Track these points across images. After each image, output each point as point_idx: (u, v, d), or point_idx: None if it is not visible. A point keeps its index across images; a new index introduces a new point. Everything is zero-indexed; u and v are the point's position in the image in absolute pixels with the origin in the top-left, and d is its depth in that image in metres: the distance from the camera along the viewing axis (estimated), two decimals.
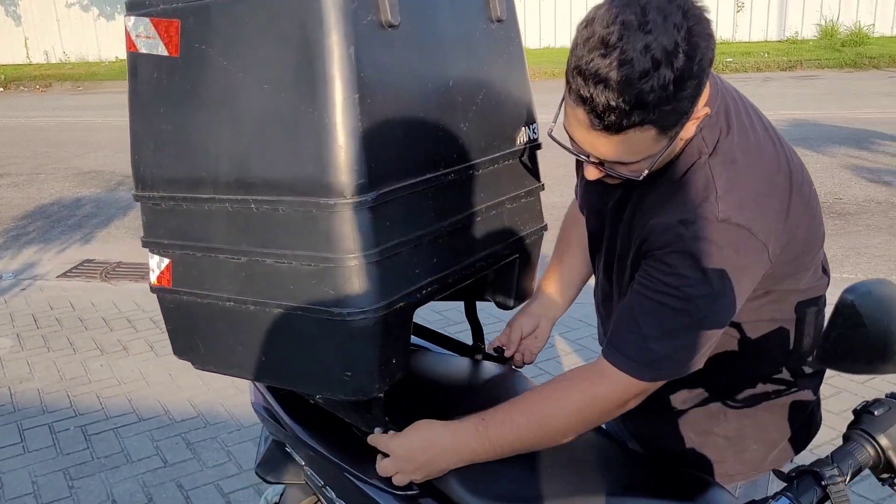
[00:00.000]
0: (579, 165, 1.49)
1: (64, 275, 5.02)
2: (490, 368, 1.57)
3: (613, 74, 1.01)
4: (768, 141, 1.27)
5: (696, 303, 1.15)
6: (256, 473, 1.57)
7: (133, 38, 1.32)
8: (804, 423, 1.45)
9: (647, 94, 1.02)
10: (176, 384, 3.51)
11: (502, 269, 1.51)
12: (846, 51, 13.47)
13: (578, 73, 1.05)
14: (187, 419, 3.22)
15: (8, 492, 2.78)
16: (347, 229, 1.16)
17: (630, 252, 1.27)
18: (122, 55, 18.12)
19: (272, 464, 1.55)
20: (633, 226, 1.26)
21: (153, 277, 1.41)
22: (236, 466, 2.89)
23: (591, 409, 1.22)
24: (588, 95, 1.04)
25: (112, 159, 8.34)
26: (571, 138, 1.15)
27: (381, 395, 1.28)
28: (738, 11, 15.28)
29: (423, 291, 1.28)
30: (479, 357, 1.62)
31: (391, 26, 1.19)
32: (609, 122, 1.06)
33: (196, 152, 1.29)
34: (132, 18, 1.31)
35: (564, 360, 3.57)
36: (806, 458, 1.04)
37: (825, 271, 1.42)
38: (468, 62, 1.36)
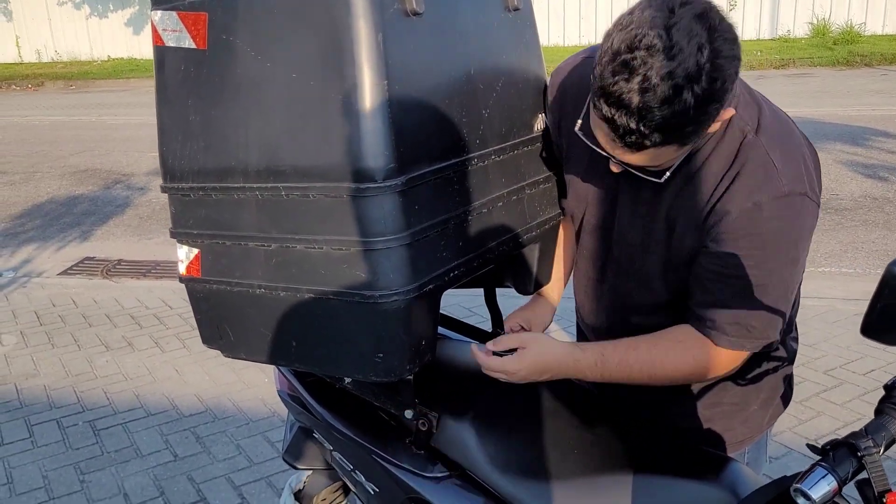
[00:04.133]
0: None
1: (65, 272, 5.02)
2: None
3: (635, 100, 1.04)
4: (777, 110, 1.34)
5: (780, 274, 1.24)
6: (284, 460, 1.59)
7: (160, 32, 1.34)
8: (788, 376, 1.54)
9: (669, 120, 1.04)
10: (183, 379, 3.52)
11: (521, 254, 1.53)
12: (838, 49, 13.55)
13: (602, 93, 1.08)
14: (195, 413, 3.24)
15: (19, 486, 2.79)
16: (378, 213, 1.18)
17: (670, 238, 1.31)
18: (115, 54, 18.13)
19: (300, 450, 1.57)
20: (677, 212, 1.29)
21: (182, 268, 1.43)
22: (246, 460, 2.90)
23: (697, 374, 1.33)
24: (609, 116, 1.07)
25: (107, 158, 8.32)
26: (596, 138, 1.20)
27: (411, 377, 1.30)
28: (730, 10, 15.34)
29: (451, 274, 1.30)
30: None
31: (416, 14, 1.21)
32: (629, 142, 1.09)
33: (225, 142, 1.30)
34: (158, 13, 1.33)
35: None
36: (793, 440, 1.06)
37: None
38: (487, 50, 1.38)
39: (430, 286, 1.25)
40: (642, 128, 1.05)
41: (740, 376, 1.44)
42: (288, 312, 1.32)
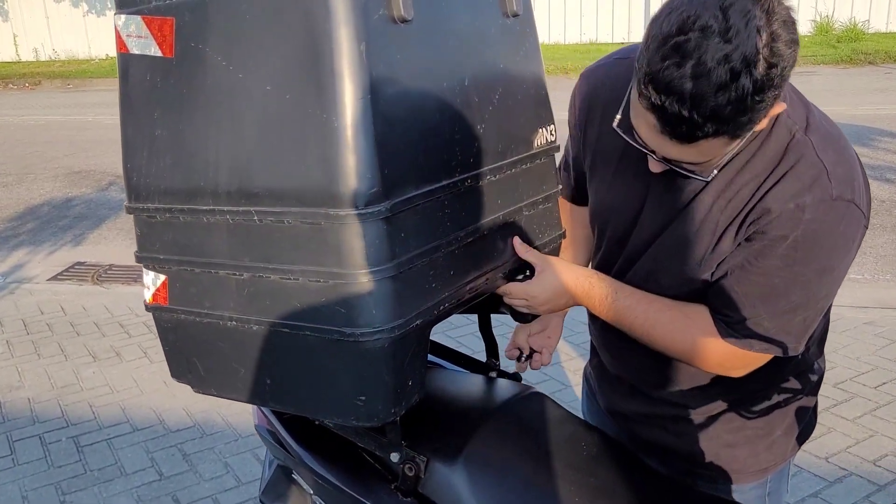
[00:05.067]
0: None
1: (55, 278, 4.91)
2: (507, 387, 1.48)
3: (688, 86, 0.96)
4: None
5: (807, 279, 1.16)
6: (261, 501, 1.48)
7: (124, 38, 1.22)
8: (815, 402, 1.47)
9: (724, 108, 0.96)
10: (171, 392, 3.41)
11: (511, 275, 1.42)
12: (842, 47, 13.44)
13: (650, 80, 0.99)
14: (183, 429, 3.13)
15: None
16: (359, 242, 1.07)
17: (712, 242, 1.22)
18: (113, 52, 17.93)
19: (278, 490, 1.46)
20: (719, 214, 1.20)
21: (148, 295, 1.32)
22: (234, 479, 2.80)
23: (691, 355, 1.28)
24: (659, 104, 0.99)
25: (103, 159, 8.21)
26: (637, 132, 1.10)
27: (397, 419, 1.20)
28: None
29: (441, 308, 1.19)
30: (493, 375, 1.54)
31: (404, 21, 1.09)
32: (680, 132, 1.01)
33: (194, 160, 1.19)
34: (122, 17, 1.21)
35: (567, 365, 3.49)
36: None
37: None
38: (484, 59, 1.26)
39: (418, 321, 1.14)
40: (695, 116, 0.97)
41: (765, 398, 1.37)
42: (262, 348, 1.21)
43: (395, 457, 1.23)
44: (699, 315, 1.26)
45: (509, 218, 1.32)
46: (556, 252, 1.47)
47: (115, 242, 5.58)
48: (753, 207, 1.16)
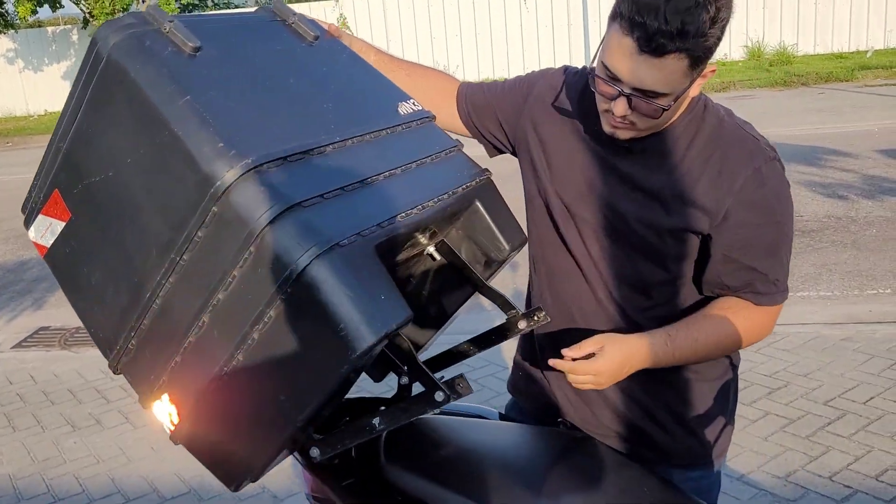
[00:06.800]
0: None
1: (19, 345, 4.75)
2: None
3: (662, 6, 1.23)
4: None
5: (789, 228, 1.44)
6: None
7: (40, 241, 1.37)
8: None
9: (689, 25, 1.24)
10: (159, 457, 3.30)
11: (476, 228, 1.48)
12: (775, 70, 13.94)
13: (634, 3, 1.25)
14: (178, 496, 3.03)
15: None
16: (248, 195, 1.13)
17: (661, 215, 1.43)
18: (52, 108, 17.65)
19: None
20: (672, 191, 1.42)
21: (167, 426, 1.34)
22: None
23: (751, 335, 1.49)
24: (641, 21, 1.24)
25: None
26: (609, 70, 1.32)
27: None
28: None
29: (380, 226, 1.22)
30: (516, 318, 1.48)
31: (196, 49, 1.25)
32: (657, 43, 1.25)
33: (131, 278, 1.26)
34: (31, 228, 1.38)
35: None
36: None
37: None
38: (299, 69, 1.43)
39: (352, 237, 1.15)
40: (670, 28, 1.23)
41: (714, 381, 1.57)
42: (247, 373, 1.20)
43: (439, 396, 1.21)
44: (730, 304, 1.47)
45: (411, 165, 1.38)
46: (489, 186, 1.51)
47: None
48: (716, 179, 1.40)
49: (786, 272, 1.47)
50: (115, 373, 1.35)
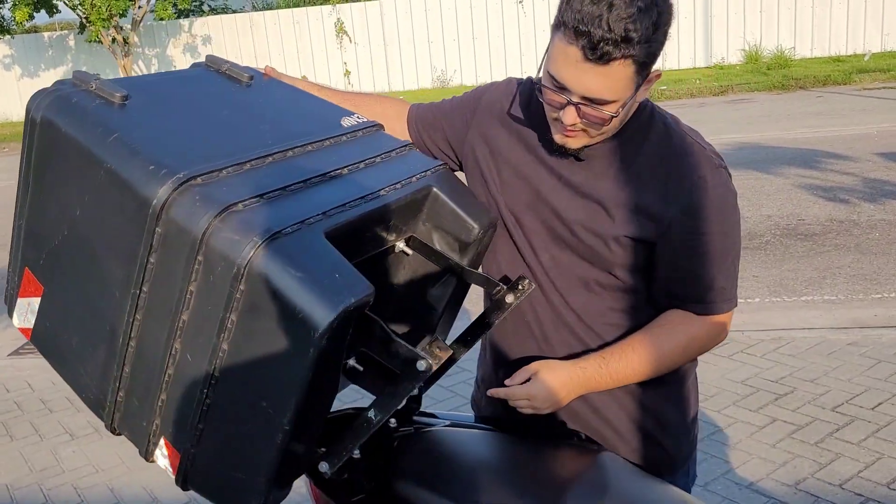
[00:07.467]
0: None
1: (16, 352, 4.70)
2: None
3: (605, 14, 1.24)
4: None
5: (734, 236, 1.44)
6: None
7: (25, 326, 1.40)
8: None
9: (633, 32, 1.24)
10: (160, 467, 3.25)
11: (442, 216, 1.46)
12: (772, 74, 13.96)
13: (577, 13, 1.25)
14: None
15: None
16: (188, 209, 1.14)
17: (607, 223, 1.42)
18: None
19: None
20: (618, 198, 1.42)
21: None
22: None
23: (695, 348, 1.49)
24: (585, 30, 1.25)
25: None
26: (556, 80, 1.32)
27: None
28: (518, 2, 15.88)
29: (324, 214, 1.21)
30: (503, 294, 1.47)
31: (125, 98, 1.28)
32: (602, 51, 1.25)
33: (100, 326, 1.28)
34: (14, 315, 1.41)
35: None
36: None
37: None
38: (233, 104, 1.46)
39: (294, 226, 1.15)
40: (614, 35, 1.23)
41: (680, 389, 1.58)
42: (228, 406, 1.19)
43: (421, 364, 1.18)
44: (674, 316, 1.47)
45: (360, 164, 1.39)
46: (446, 172, 1.51)
47: None
48: (662, 187, 1.40)
49: (733, 281, 1.46)
50: (113, 433, 1.33)
